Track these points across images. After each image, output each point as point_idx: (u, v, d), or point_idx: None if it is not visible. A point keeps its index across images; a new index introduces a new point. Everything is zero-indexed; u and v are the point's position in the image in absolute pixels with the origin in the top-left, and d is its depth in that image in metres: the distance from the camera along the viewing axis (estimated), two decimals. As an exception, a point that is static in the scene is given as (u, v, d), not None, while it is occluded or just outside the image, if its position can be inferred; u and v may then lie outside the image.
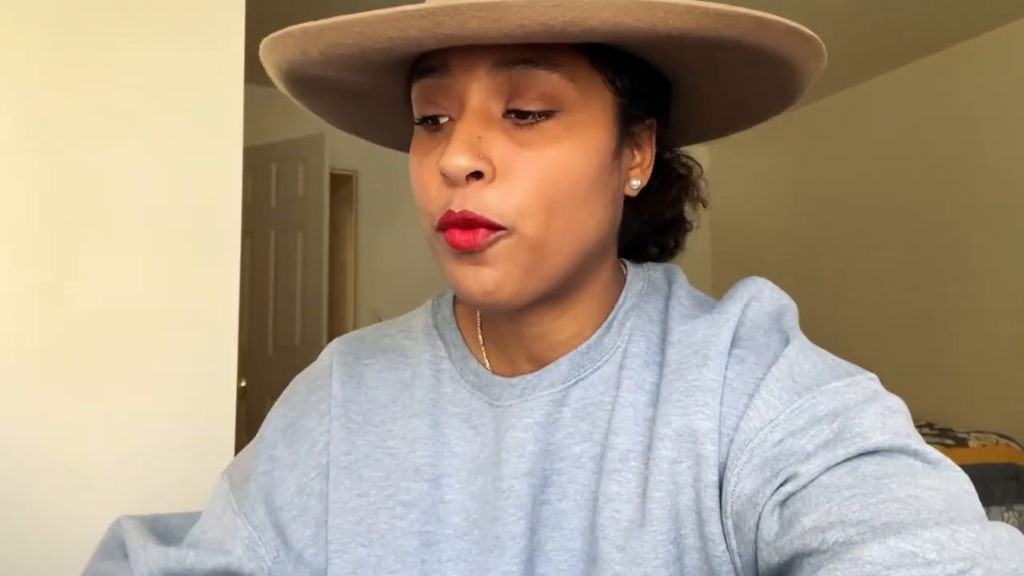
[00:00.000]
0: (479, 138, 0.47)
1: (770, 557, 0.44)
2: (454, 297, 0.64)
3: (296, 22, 0.46)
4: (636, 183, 0.55)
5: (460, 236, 0.47)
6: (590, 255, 0.52)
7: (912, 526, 0.38)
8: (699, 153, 0.61)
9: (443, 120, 0.50)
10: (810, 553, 0.41)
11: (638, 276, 0.60)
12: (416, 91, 0.50)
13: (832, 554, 0.39)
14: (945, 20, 3.31)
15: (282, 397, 0.66)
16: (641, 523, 0.50)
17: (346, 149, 3.84)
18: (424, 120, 0.51)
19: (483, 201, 0.47)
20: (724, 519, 0.48)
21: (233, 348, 1.70)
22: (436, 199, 0.49)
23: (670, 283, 0.59)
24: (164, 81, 1.66)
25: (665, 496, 0.49)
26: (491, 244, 0.47)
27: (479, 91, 0.47)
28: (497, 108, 0.48)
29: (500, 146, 0.47)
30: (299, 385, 0.65)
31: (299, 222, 3.58)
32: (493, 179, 0.47)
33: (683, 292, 0.58)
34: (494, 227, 0.47)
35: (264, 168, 3.63)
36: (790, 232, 4.48)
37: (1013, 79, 3.31)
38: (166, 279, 1.65)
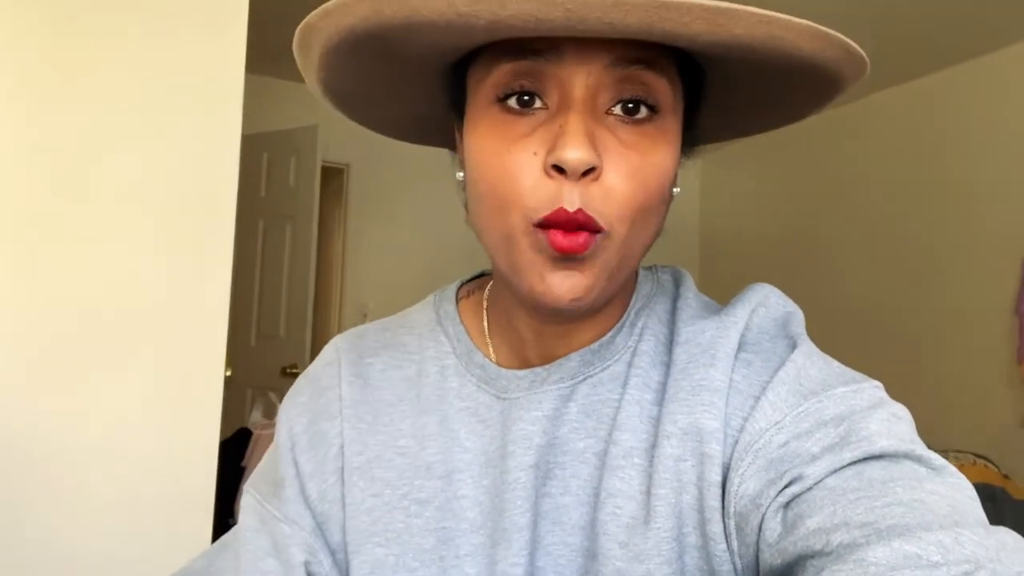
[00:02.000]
0: (593, 133, 0.45)
1: (772, 558, 0.44)
2: (456, 292, 0.64)
3: (300, 9, 0.40)
4: (676, 189, 0.54)
5: (564, 240, 0.45)
6: None
7: (916, 529, 0.38)
8: (689, 168, 0.60)
9: (537, 105, 0.47)
10: (814, 555, 0.41)
11: (647, 277, 0.60)
12: (504, 69, 0.46)
13: (836, 556, 0.39)
14: (937, 42, 3.36)
15: (289, 400, 0.63)
16: (645, 520, 0.50)
17: (339, 142, 3.81)
18: (506, 99, 0.47)
19: (590, 200, 0.45)
20: (726, 519, 0.48)
21: (222, 338, 1.69)
22: (535, 192, 0.45)
23: (677, 285, 0.60)
24: (164, 68, 1.65)
25: (669, 493, 0.49)
26: (592, 249, 0.46)
27: (591, 85, 0.46)
28: (603, 104, 0.46)
29: (609, 143, 0.46)
30: (304, 386, 0.63)
31: (288, 213, 3.55)
32: (599, 177, 0.45)
33: (691, 294, 0.58)
34: (597, 230, 0.45)
35: (255, 157, 3.59)
36: (777, 248, 4.51)
37: (1004, 102, 3.36)
38: (159, 268, 1.64)
